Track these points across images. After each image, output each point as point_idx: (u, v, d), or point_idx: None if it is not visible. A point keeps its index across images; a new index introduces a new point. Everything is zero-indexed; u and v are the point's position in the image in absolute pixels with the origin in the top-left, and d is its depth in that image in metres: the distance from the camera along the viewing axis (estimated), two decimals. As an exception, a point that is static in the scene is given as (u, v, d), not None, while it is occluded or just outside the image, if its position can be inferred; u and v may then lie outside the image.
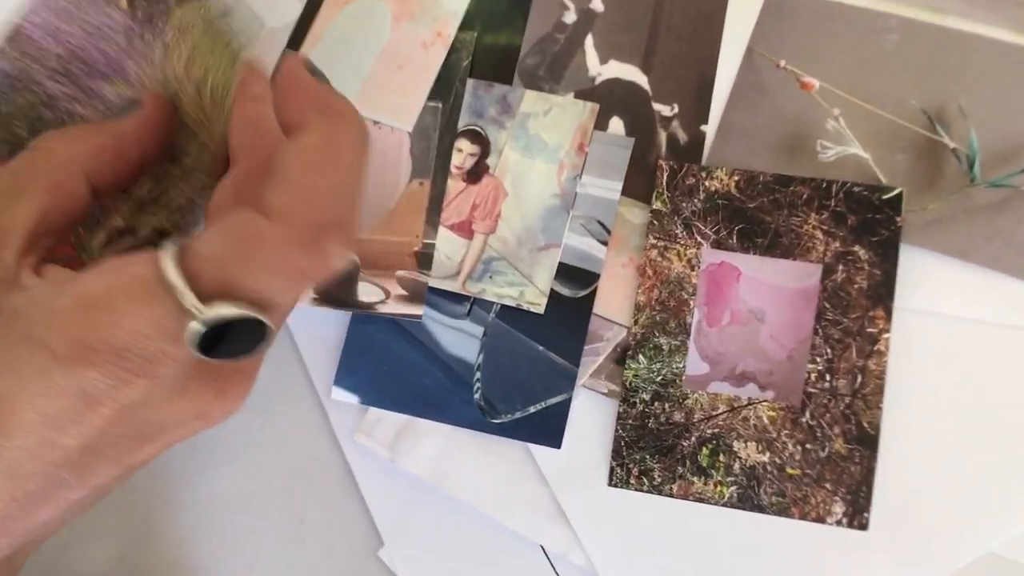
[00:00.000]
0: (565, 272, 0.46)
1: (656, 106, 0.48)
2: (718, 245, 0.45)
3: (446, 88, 0.50)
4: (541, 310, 0.46)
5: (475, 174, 0.48)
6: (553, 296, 0.46)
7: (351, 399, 0.46)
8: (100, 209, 0.40)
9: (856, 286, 0.44)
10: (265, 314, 0.31)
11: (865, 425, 0.42)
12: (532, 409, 0.45)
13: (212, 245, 0.31)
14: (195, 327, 0.30)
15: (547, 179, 0.48)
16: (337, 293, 0.47)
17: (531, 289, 0.46)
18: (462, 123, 0.49)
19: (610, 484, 0.44)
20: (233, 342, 0.31)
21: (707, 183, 0.46)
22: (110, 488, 0.35)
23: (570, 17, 0.50)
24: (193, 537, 0.45)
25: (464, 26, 0.51)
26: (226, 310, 0.30)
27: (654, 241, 0.46)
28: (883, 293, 0.44)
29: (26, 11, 0.40)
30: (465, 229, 0.47)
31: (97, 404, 0.30)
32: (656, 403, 0.44)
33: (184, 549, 0.46)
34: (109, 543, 0.46)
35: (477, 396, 0.45)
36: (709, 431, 0.43)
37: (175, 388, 0.32)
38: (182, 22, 0.40)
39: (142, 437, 0.33)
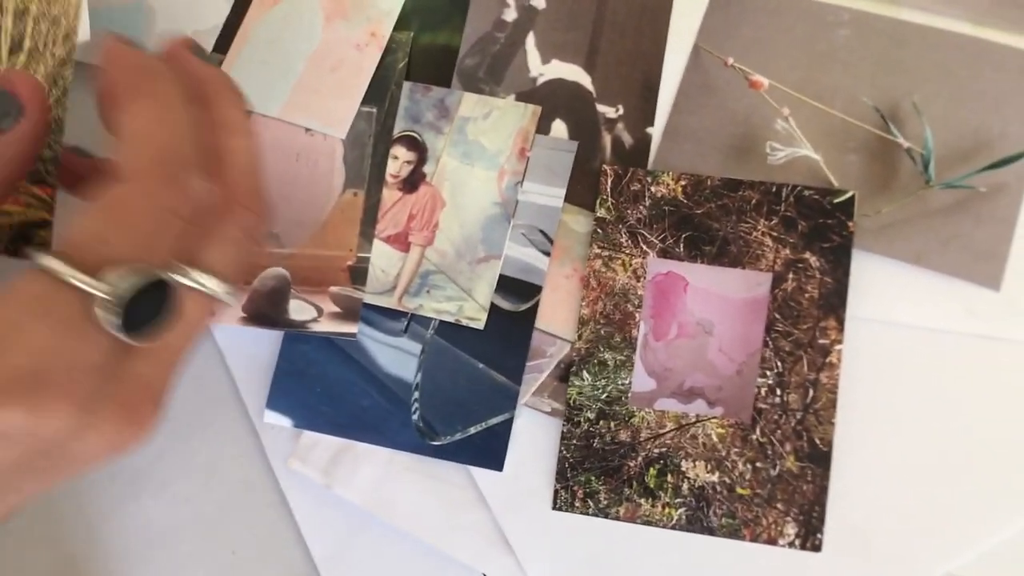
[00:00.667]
0: (506, 285, 0.44)
1: (600, 108, 0.46)
2: (664, 254, 0.43)
3: (381, 92, 0.47)
4: (481, 326, 0.44)
5: (411, 183, 0.46)
6: (494, 310, 0.44)
7: (285, 422, 0.44)
8: None
9: (807, 295, 0.42)
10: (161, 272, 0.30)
11: (817, 442, 0.41)
12: (473, 430, 0.43)
13: (83, 226, 0.30)
14: (105, 303, 0.29)
15: (487, 186, 0.46)
16: (267, 311, 0.44)
17: (470, 304, 0.44)
18: (398, 129, 0.47)
19: (555, 507, 0.42)
20: (141, 319, 0.30)
21: (653, 188, 0.44)
22: (8, 515, 0.33)
23: (511, 15, 0.48)
24: (120, 571, 0.43)
25: (400, 25, 0.48)
26: (119, 271, 0.29)
27: (598, 250, 0.44)
28: (835, 302, 0.42)
29: None
30: (401, 241, 0.45)
31: (10, 442, 0.29)
32: (601, 422, 0.42)
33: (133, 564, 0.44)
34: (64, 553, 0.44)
35: (416, 417, 0.43)
36: (656, 450, 0.41)
37: (90, 414, 0.30)
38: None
39: (52, 467, 0.31)
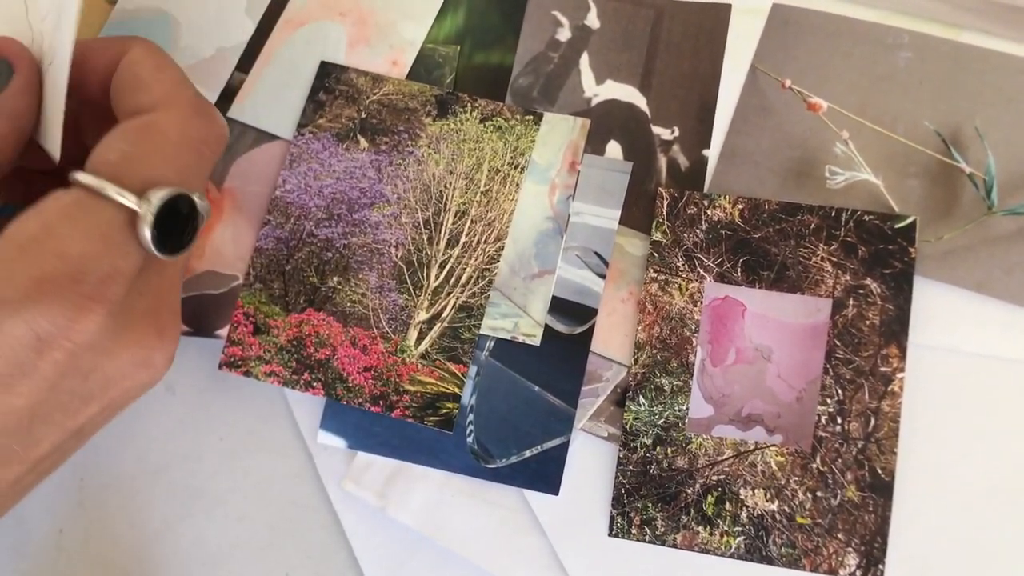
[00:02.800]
0: (561, 307, 0.44)
1: (655, 129, 0.46)
2: (722, 278, 0.43)
3: (434, 111, 0.47)
4: (537, 342, 0.43)
5: (466, 203, 0.46)
6: (549, 333, 0.43)
7: (338, 443, 0.44)
8: None
9: (868, 322, 0.41)
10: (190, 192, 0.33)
11: (879, 471, 0.40)
12: (528, 453, 0.42)
13: (115, 149, 0.32)
14: (146, 217, 0.31)
15: (539, 201, 0.45)
16: (322, 332, 0.44)
17: (526, 320, 0.44)
18: (451, 148, 0.46)
19: (611, 534, 0.41)
20: (169, 239, 0.33)
21: (710, 212, 0.43)
22: (48, 469, 0.35)
23: (564, 34, 0.47)
24: (198, 568, 0.43)
25: (449, 42, 0.48)
26: (161, 192, 0.32)
27: (654, 274, 0.43)
28: (896, 329, 0.41)
29: (279, 182, 0.46)
30: (456, 262, 0.45)
31: (49, 349, 0.30)
32: (658, 448, 0.41)
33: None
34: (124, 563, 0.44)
35: (470, 439, 0.43)
36: (714, 478, 0.41)
37: (121, 326, 0.32)
38: (433, 136, 0.46)
39: (88, 394, 0.33)
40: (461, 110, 0.47)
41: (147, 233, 0.31)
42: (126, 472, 0.45)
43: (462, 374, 0.43)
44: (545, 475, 0.42)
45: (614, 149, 0.46)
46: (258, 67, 0.48)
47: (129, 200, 0.31)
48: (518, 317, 0.44)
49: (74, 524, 0.44)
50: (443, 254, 0.45)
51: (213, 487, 0.44)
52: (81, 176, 0.32)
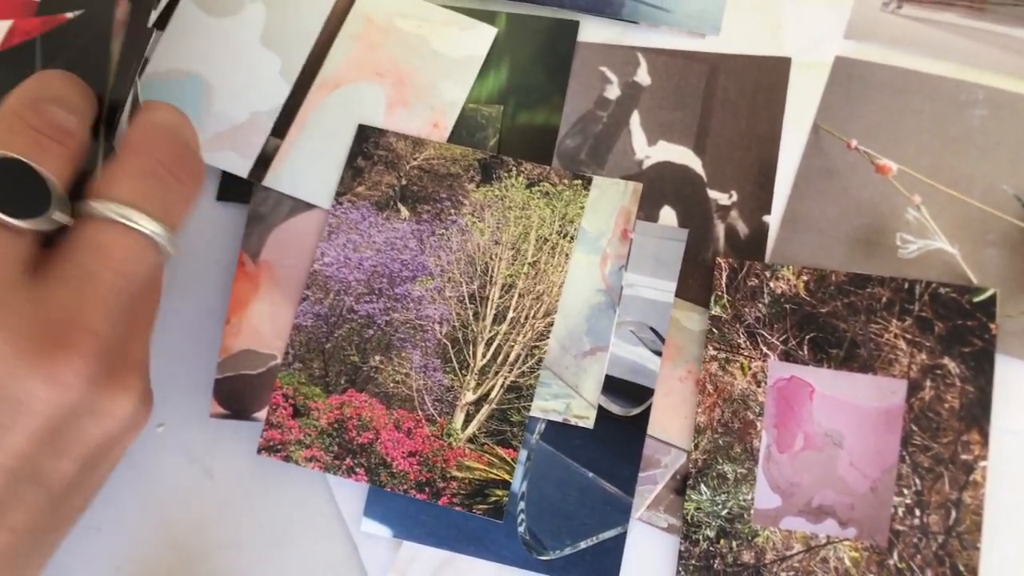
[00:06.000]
0: (615, 387, 0.41)
1: (712, 193, 0.43)
2: (787, 357, 0.40)
3: (476, 176, 0.45)
4: (590, 424, 0.41)
5: (512, 276, 0.43)
6: (603, 415, 0.41)
7: (383, 532, 0.42)
8: None
9: (947, 405, 0.38)
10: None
11: (961, 568, 0.37)
12: (583, 545, 0.40)
13: None
14: None
15: (589, 273, 0.43)
16: (364, 415, 0.42)
17: (578, 401, 0.41)
18: (496, 216, 0.44)
19: (672, 631, 0.39)
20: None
21: (772, 284, 0.41)
22: (32, 543, 0.34)
23: (613, 92, 0.45)
24: None
25: (492, 100, 0.46)
26: None
27: (714, 352, 0.41)
28: (978, 413, 0.38)
29: (316, 255, 0.44)
30: (503, 339, 0.43)
31: None
32: (722, 540, 0.39)
33: None
34: None
35: (522, 529, 0.40)
36: (783, 574, 0.38)
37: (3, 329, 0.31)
38: (477, 203, 0.44)
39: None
40: (506, 175, 0.44)
41: None
42: (164, 561, 0.43)
43: (512, 459, 0.41)
44: (602, 568, 0.40)
45: (668, 215, 0.43)
46: (293, 132, 0.46)
47: None
48: (570, 398, 0.42)
49: (111, 615, 0.43)
50: (490, 331, 0.43)
51: (256, 575, 0.43)
52: None
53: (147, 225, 0.33)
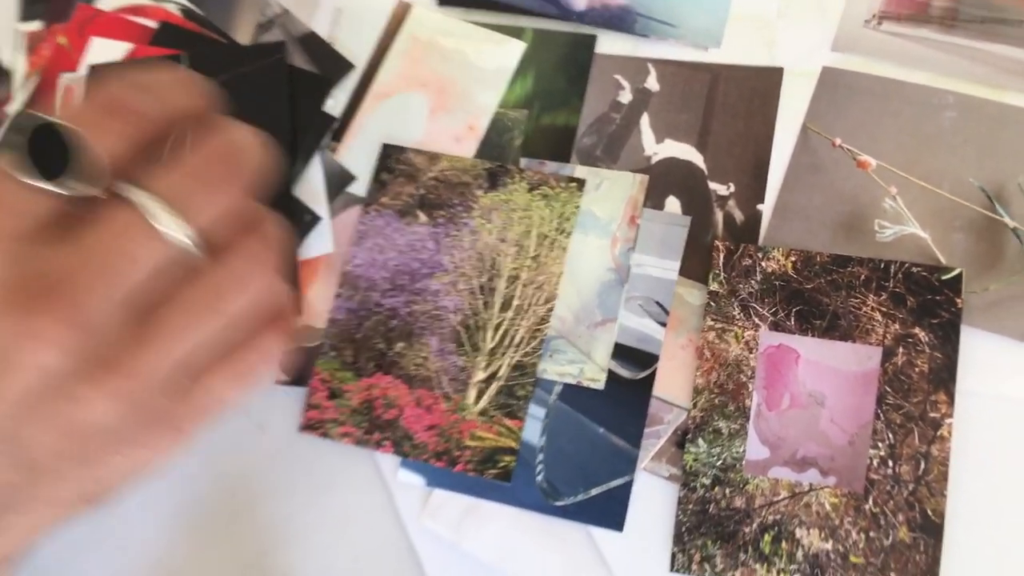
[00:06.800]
0: (624, 353, 0.47)
1: (712, 185, 0.49)
2: (776, 327, 0.45)
3: (503, 170, 0.50)
4: (601, 386, 0.46)
5: (534, 256, 0.49)
6: (613, 378, 0.46)
7: (417, 481, 0.47)
8: None
9: (917, 369, 0.43)
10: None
11: (929, 513, 0.42)
12: (594, 492, 0.45)
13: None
14: (7, 139, 0.29)
15: (601, 253, 0.48)
16: (401, 376, 0.47)
17: (590, 365, 0.47)
18: (520, 205, 0.50)
19: (672, 570, 0.44)
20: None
21: (764, 264, 0.46)
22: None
23: (626, 97, 0.51)
24: (265, 617, 0.47)
25: (519, 105, 0.52)
26: (24, 115, 0.29)
27: (712, 323, 0.46)
28: (945, 377, 0.43)
29: (348, 258, 0.51)
30: (525, 311, 0.48)
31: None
32: (717, 488, 0.44)
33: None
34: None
35: (540, 478, 0.46)
36: (771, 517, 0.43)
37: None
38: (485, 207, 0.50)
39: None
40: (510, 181, 0.50)
41: (11, 155, 0.29)
42: (217, 506, 0.49)
43: (518, 429, 0.46)
44: (610, 512, 0.45)
45: (673, 204, 0.49)
46: (349, 136, 0.52)
47: None
48: (583, 363, 0.47)
49: (172, 554, 0.48)
50: (497, 317, 0.49)
51: (301, 521, 0.48)
52: None
53: (168, 223, 0.30)
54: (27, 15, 0.58)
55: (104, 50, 0.55)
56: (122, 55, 0.55)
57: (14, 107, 0.56)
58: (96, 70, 0.54)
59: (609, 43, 0.53)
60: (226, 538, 0.48)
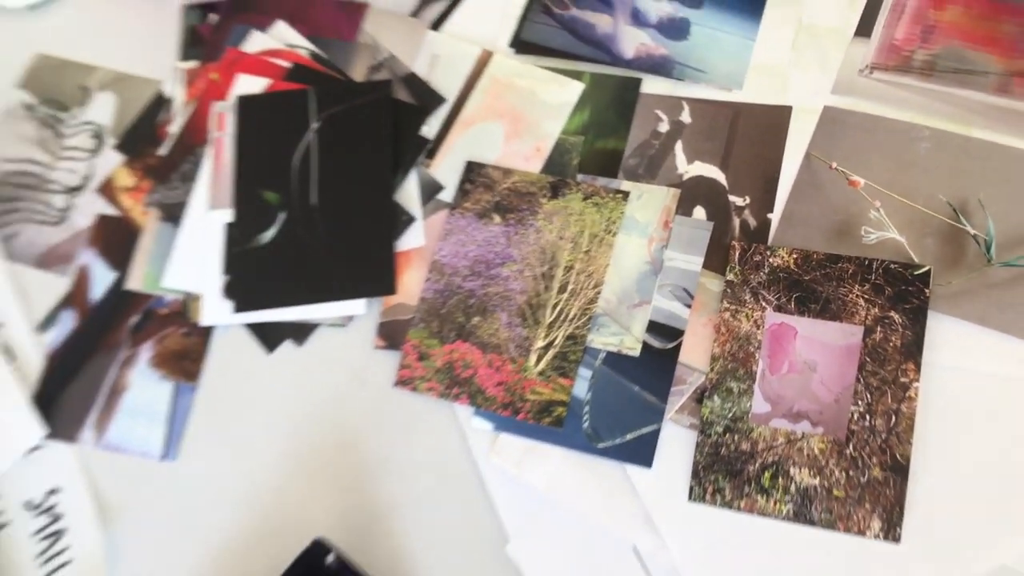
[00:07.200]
0: (657, 328, 0.58)
1: (731, 198, 0.61)
2: (779, 309, 0.57)
3: (564, 183, 0.63)
4: (636, 354, 0.58)
5: (586, 251, 0.61)
6: (646, 348, 0.58)
7: (487, 426, 0.59)
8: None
9: (891, 344, 0.54)
10: None
11: (898, 457, 0.53)
12: (628, 436, 0.56)
13: None
14: None
15: (640, 250, 0.60)
16: (477, 342, 0.60)
17: (629, 337, 0.58)
18: (576, 211, 0.62)
19: (690, 499, 0.55)
20: None
21: (771, 260, 0.58)
22: None
23: (664, 127, 0.63)
24: (365, 528, 0.58)
25: (577, 132, 0.64)
26: None
27: (727, 305, 0.57)
28: (914, 350, 0.54)
29: (436, 250, 0.64)
30: (577, 294, 0.60)
31: None
32: (727, 435, 0.55)
33: (371, 528, 0.58)
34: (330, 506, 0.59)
35: (585, 425, 0.57)
36: (770, 458, 0.54)
37: None
38: (547, 212, 0.63)
39: None
40: (568, 191, 0.63)
41: None
42: (322, 443, 0.61)
43: (569, 387, 0.58)
44: (641, 453, 0.56)
45: (699, 212, 0.61)
46: (440, 156, 0.66)
47: None
48: (623, 335, 0.59)
49: (290, 482, 0.60)
50: (555, 298, 0.61)
51: (393, 457, 0.60)
52: None
53: None
54: (186, 56, 0.73)
55: (248, 84, 0.70)
56: (262, 88, 0.69)
57: (174, 127, 0.70)
58: (242, 100, 0.69)
59: (651, 85, 0.65)
60: (333, 470, 0.61)
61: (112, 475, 0.62)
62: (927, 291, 0.55)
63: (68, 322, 0.66)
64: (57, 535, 0.61)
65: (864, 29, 0.63)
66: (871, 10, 0.63)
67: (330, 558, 0.55)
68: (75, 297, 0.67)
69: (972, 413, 0.54)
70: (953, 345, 0.55)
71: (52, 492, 0.62)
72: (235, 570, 0.59)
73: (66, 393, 0.65)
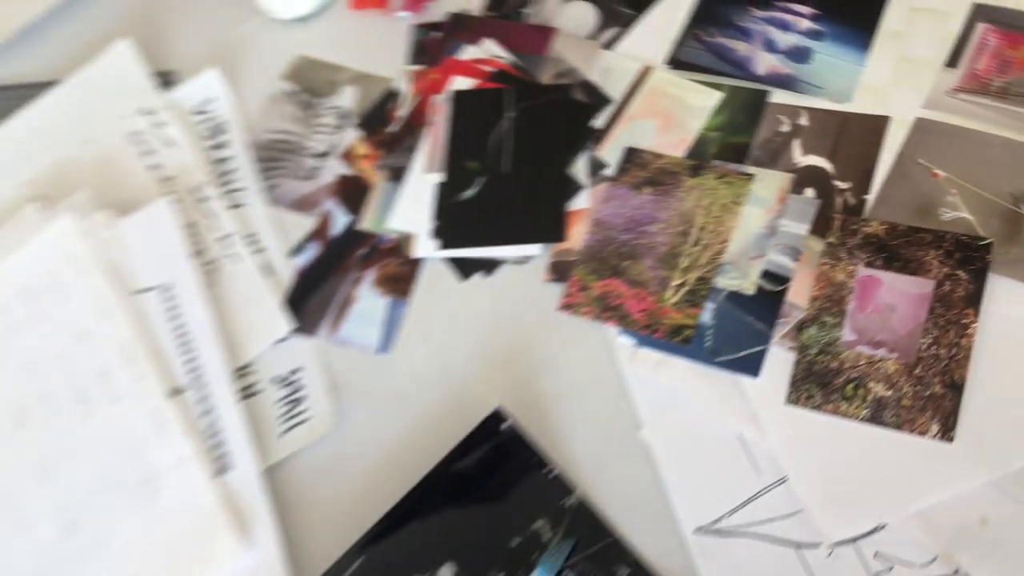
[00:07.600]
0: (769, 276, 0.75)
1: (836, 182, 0.77)
2: (868, 265, 0.73)
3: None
4: (752, 292, 0.74)
5: (717, 216, 0.79)
6: (760, 289, 0.75)
7: (630, 343, 0.76)
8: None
9: (956, 295, 0.70)
10: None
11: (955, 378, 0.68)
12: (742, 353, 0.73)
13: None
14: None
15: (760, 219, 0.78)
16: (627, 278, 0.78)
17: (746, 281, 0.75)
18: (711, 187, 0.80)
19: (787, 402, 0.71)
20: None
21: (865, 229, 0.74)
22: None
23: (785, 128, 0.81)
24: (544, 404, 0.76)
25: (715, 130, 0.83)
26: None
27: (827, 260, 0.74)
28: (974, 300, 0.69)
29: (598, 211, 0.82)
30: (708, 248, 0.78)
31: None
32: (820, 356, 0.71)
33: (536, 413, 0.76)
34: (505, 392, 0.77)
35: (708, 344, 0.74)
36: (854, 375, 0.70)
37: None
38: (688, 187, 0.81)
39: None
40: (705, 173, 0.81)
41: None
42: (505, 348, 0.79)
43: (697, 315, 0.75)
44: (751, 365, 0.73)
45: (809, 192, 0.78)
46: (610, 142, 0.85)
47: None
48: (742, 280, 0.76)
49: (468, 375, 0.79)
50: (690, 250, 0.78)
51: (554, 364, 0.78)
52: None
53: None
54: (414, 62, 0.95)
55: (461, 83, 0.91)
56: (471, 86, 0.90)
57: (402, 112, 0.92)
58: (456, 93, 0.90)
59: (778, 96, 0.83)
60: (508, 368, 0.79)
61: (341, 361, 0.82)
62: (988, 257, 0.71)
63: (313, 251, 0.88)
64: (297, 401, 0.82)
65: (952, 61, 0.80)
66: (959, 47, 0.80)
67: (504, 425, 0.73)
68: (319, 233, 0.88)
69: (1018, 349, 0.68)
70: (1007, 299, 0.70)
71: (295, 371, 0.83)
72: (431, 432, 0.78)
73: (309, 301, 0.85)
